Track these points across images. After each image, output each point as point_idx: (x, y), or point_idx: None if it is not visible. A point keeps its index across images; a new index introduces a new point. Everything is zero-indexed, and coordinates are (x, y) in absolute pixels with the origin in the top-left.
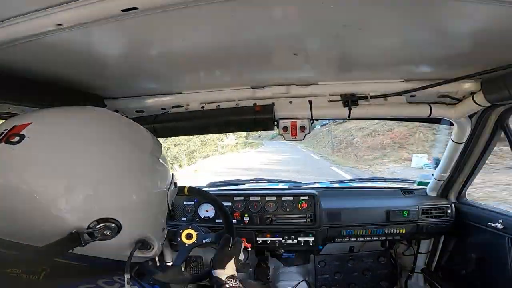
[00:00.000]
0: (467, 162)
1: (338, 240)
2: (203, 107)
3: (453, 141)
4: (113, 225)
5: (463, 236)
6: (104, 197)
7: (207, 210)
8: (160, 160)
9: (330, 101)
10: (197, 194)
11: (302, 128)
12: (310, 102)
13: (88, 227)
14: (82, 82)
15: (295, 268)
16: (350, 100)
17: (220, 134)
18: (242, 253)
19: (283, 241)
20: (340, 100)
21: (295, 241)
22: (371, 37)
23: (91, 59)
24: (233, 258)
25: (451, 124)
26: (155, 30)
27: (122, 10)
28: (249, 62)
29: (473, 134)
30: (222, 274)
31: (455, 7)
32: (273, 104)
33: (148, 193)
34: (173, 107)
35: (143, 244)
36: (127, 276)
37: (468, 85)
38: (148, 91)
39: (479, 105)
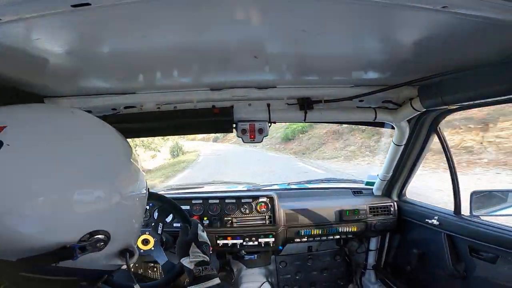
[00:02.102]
0: (406, 163)
1: (297, 240)
2: (159, 108)
3: (394, 143)
4: (103, 236)
5: (405, 233)
6: (94, 208)
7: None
8: (134, 162)
9: (288, 104)
10: None
11: (260, 130)
12: (269, 105)
13: (80, 241)
14: (16, 79)
15: (258, 270)
16: (306, 104)
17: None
18: (202, 232)
19: (244, 243)
20: (296, 104)
21: (256, 243)
22: (326, 43)
23: (31, 55)
24: (192, 242)
25: (393, 127)
26: (108, 26)
27: (72, 6)
28: (209, 63)
29: (411, 137)
30: (188, 262)
31: (399, 16)
32: (232, 106)
33: (132, 198)
34: (125, 107)
35: (129, 252)
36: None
37: (407, 92)
38: (96, 90)
39: (416, 110)
